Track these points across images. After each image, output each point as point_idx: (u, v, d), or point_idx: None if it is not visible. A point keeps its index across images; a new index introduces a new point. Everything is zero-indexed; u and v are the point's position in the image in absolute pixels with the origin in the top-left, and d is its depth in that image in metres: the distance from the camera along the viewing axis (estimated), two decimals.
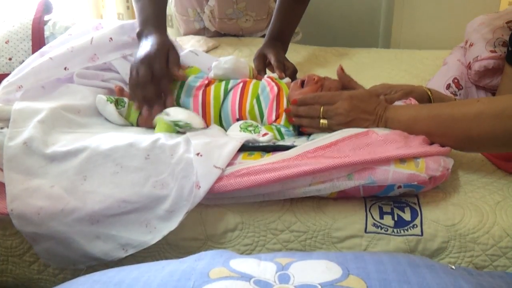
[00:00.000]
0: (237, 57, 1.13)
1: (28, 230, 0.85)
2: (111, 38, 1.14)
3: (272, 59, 1.25)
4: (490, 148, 0.92)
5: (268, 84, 1.06)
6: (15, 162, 0.87)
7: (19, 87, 1.01)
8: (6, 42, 1.30)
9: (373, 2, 2.38)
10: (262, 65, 1.29)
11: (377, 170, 0.82)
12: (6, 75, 1.12)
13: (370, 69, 1.51)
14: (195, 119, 0.97)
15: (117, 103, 1.04)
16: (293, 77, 1.22)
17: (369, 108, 0.92)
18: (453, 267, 0.66)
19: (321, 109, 0.94)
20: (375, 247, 0.85)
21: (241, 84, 1.06)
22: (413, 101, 0.99)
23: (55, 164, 0.88)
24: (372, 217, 0.86)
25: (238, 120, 1.03)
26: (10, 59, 1.29)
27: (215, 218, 0.88)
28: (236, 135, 0.94)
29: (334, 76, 1.08)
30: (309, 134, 0.99)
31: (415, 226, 0.85)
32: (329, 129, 0.94)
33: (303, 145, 0.88)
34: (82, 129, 0.98)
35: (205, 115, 1.05)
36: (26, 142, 0.88)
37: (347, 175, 0.82)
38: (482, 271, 0.81)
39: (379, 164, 0.82)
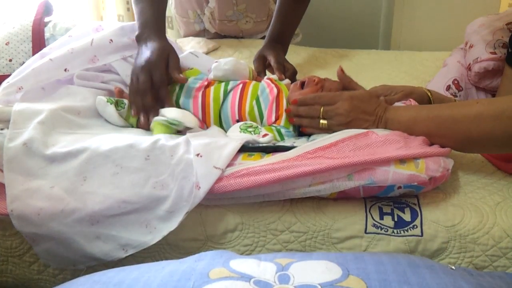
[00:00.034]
0: (236, 59, 1.13)
1: (28, 231, 0.86)
2: (111, 40, 1.14)
3: (272, 60, 1.25)
4: (490, 149, 0.92)
5: (267, 86, 1.06)
6: (15, 163, 0.87)
7: (19, 88, 1.02)
8: (6, 44, 1.30)
9: (373, 3, 2.38)
10: (262, 66, 1.29)
11: (377, 171, 0.82)
12: (6, 76, 1.12)
13: (370, 70, 1.51)
14: (188, 117, 0.97)
15: (117, 105, 1.04)
16: (292, 78, 1.22)
17: (369, 109, 0.92)
18: (453, 267, 0.66)
19: (321, 110, 0.94)
20: (375, 247, 0.85)
21: (240, 85, 1.07)
22: (413, 102, 0.99)
23: (55, 165, 0.88)
24: (372, 217, 0.86)
25: (238, 121, 1.03)
26: (10, 60, 1.29)
27: (215, 219, 0.88)
28: (236, 136, 0.95)
29: (334, 77, 1.08)
30: (309, 135, 0.99)
31: (415, 226, 0.85)
32: (329, 129, 0.94)
33: (303, 145, 0.88)
34: (82, 130, 0.98)
35: (205, 116, 1.05)
36: (26, 143, 0.88)
37: (347, 176, 0.83)
38: (482, 271, 0.80)
39: (379, 165, 0.82)
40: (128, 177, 0.86)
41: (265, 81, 1.09)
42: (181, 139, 0.90)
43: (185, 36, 1.82)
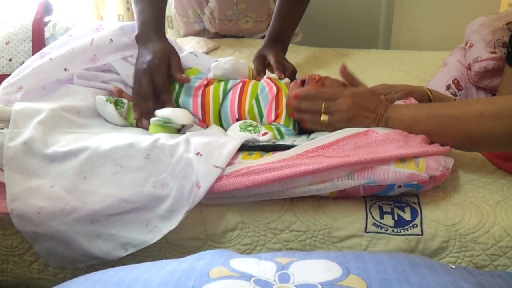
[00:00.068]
0: (236, 58, 1.13)
1: (28, 230, 0.86)
2: (111, 40, 1.14)
3: (272, 60, 1.25)
4: (490, 147, 0.92)
5: (267, 85, 1.06)
6: (15, 162, 0.87)
7: (19, 88, 1.02)
8: (6, 43, 1.30)
9: (373, 3, 2.39)
10: (261, 66, 1.29)
11: (377, 170, 0.82)
12: (6, 76, 1.12)
13: (370, 70, 1.51)
14: (177, 114, 0.96)
15: (116, 104, 1.04)
16: (292, 77, 1.22)
17: (371, 106, 0.92)
18: (453, 266, 0.66)
19: (323, 105, 0.93)
20: (375, 246, 0.85)
21: (240, 84, 1.07)
22: (413, 101, 0.99)
23: (55, 164, 0.88)
24: (372, 216, 0.86)
25: (237, 120, 1.03)
26: (10, 60, 1.29)
27: (215, 218, 0.88)
28: (236, 134, 0.95)
29: (334, 77, 1.08)
30: (309, 133, 0.99)
31: (415, 225, 0.85)
32: (330, 125, 0.93)
33: (303, 144, 0.88)
34: (82, 130, 0.98)
35: (204, 115, 1.05)
36: (26, 142, 0.88)
37: (347, 175, 0.83)
38: (482, 270, 0.80)
39: (379, 164, 0.82)
40: (128, 176, 0.86)
41: (264, 80, 1.09)
42: (181, 138, 0.90)
43: (185, 35, 1.82)
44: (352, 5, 2.42)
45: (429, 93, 1.03)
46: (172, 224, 0.84)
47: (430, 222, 0.85)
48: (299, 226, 0.87)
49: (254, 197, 0.86)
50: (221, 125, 1.05)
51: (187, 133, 0.91)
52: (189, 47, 1.61)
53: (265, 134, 0.94)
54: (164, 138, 0.90)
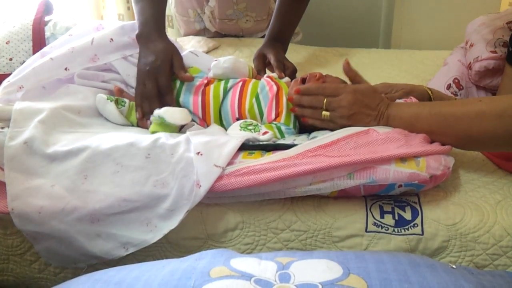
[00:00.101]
0: (236, 57, 1.13)
1: (29, 229, 0.86)
2: (111, 39, 1.14)
3: (272, 59, 1.25)
4: (491, 147, 0.92)
5: (267, 83, 1.06)
6: (16, 162, 0.87)
7: (20, 88, 1.02)
8: (6, 43, 1.30)
9: (373, 2, 2.38)
10: (261, 65, 1.29)
11: (378, 169, 0.82)
12: (6, 75, 1.12)
13: (370, 69, 1.51)
14: (173, 115, 0.95)
15: (117, 103, 1.04)
16: (292, 76, 1.22)
17: (372, 104, 0.92)
18: (453, 266, 0.66)
19: (325, 101, 0.93)
20: (376, 246, 0.85)
21: (240, 83, 1.07)
22: (413, 100, 0.99)
23: (55, 163, 0.88)
24: (373, 216, 0.86)
25: (238, 119, 1.03)
26: (10, 59, 1.29)
27: (215, 217, 0.88)
28: (236, 134, 0.95)
29: (334, 75, 1.08)
30: (309, 132, 0.99)
31: (415, 225, 0.84)
32: (331, 121, 0.93)
33: (303, 144, 0.88)
34: (83, 129, 0.98)
35: (205, 114, 1.05)
36: (27, 142, 0.88)
37: (347, 174, 0.83)
38: (482, 270, 0.81)
39: (380, 163, 0.82)
40: (129, 175, 0.86)
41: (264, 79, 1.09)
42: (181, 137, 0.90)
43: (185, 35, 1.82)
44: (353, 4, 2.42)
45: (430, 92, 1.03)
46: (173, 223, 0.84)
47: (430, 221, 0.85)
48: (300, 225, 0.87)
49: (254, 197, 0.86)
50: (221, 124, 1.05)
51: (188, 133, 0.91)
52: (189, 47, 1.61)
53: (265, 133, 0.94)
54: (165, 138, 0.90)
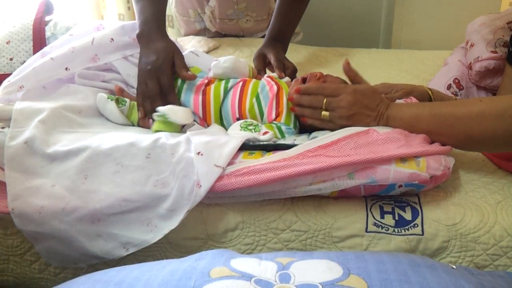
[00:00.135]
0: (236, 57, 1.13)
1: (29, 229, 0.86)
2: (112, 39, 1.14)
3: (272, 58, 1.25)
4: (491, 147, 0.92)
5: (267, 83, 1.06)
6: (16, 162, 0.87)
7: (20, 87, 1.02)
8: (7, 43, 1.30)
9: (373, 2, 2.39)
10: (262, 64, 1.29)
11: (378, 169, 0.82)
12: (7, 75, 1.12)
13: (370, 69, 1.51)
14: (175, 113, 0.96)
15: (117, 102, 1.04)
16: (292, 76, 1.22)
17: (372, 104, 0.92)
18: (453, 266, 0.66)
19: (324, 101, 0.93)
20: (376, 246, 0.85)
21: (240, 83, 1.07)
22: (413, 100, 0.99)
23: (56, 163, 0.88)
24: (373, 216, 0.86)
25: (238, 119, 1.04)
26: (11, 59, 1.29)
27: (215, 217, 0.89)
28: (237, 134, 0.95)
29: (334, 75, 1.08)
30: (310, 132, 0.99)
31: (416, 225, 0.85)
32: (330, 121, 0.93)
33: (304, 144, 0.88)
34: (83, 129, 0.98)
35: (205, 114, 1.05)
36: (27, 141, 0.88)
37: (348, 174, 0.83)
38: (483, 270, 0.80)
39: (380, 163, 0.82)
40: (129, 175, 0.86)
41: (265, 79, 1.09)
42: (181, 137, 0.90)
43: (186, 35, 1.82)
44: (353, 4, 2.42)
45: (430, 92, 1.03)
46: (173, 223, 0.84)
47: (430, 222, 0.85)
48: (300, 226, 0.87)
49: (254, 197, 0.87)
50: (221, 124, 1.05)
51: (188, 132, 0.91)
52: (189, 47, 1.61)
53: (265, 133, 0.94)
54: (165, 138, 0.90)
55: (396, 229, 0.85)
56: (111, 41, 1.13)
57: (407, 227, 0.85)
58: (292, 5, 1.42)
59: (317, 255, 0.65)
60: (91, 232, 0.85)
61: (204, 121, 1.06)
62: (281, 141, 0.94)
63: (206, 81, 1.08)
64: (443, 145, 0.88)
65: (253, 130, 0.95)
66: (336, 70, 1.07)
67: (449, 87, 1.31)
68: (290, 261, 0.62)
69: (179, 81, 1.08)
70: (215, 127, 1.01)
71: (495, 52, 1.25)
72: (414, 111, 0.91)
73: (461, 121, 0.85)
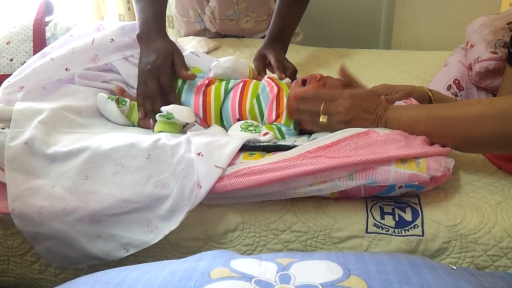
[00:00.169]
0: (236, 58, 1.13)
1: (29, 230, 0.86)
2: (112, 39, 1.14)
3: (272, 59, 1.25)
4: (491, 148, 0.92)
5: (268, 84, 1.06)
6: (16, 162, 0.87)
7: (21, 88, 1.02)
8: (7, 43, 1.30)
9: (374, 3, 2.39)
10: (262, 65, 1.29)
11: (378, 170, 0.82)
12: (7, 75, 1.12)
13: (370, 70, 1.51)
14: (180, 112, 0.96)
15: (118, 102, 1.05)
16: (293, 77, 1.22)
17: (370, 108, 0.92)
18: (454, 267, 0.66)
19: (322, 106, 0.93)
20: (376, 247, 0.85)
21: (241, 84, 1.07)
22: (413, 101, 0.99)
23: (56, 164, 0.88)
24: (373, 217, 0.86)
25: (238, 120, 1.04)
26: (11, 60, 1.29)
27: (216, 218, 0.89)
28: (237, 135, 0.95)
29: (334, 76, 1.08)
30: (310, 133, 0.99)
31: (416, 226, 0.85)
32: (329, 126, 0.93)
33: (304, 144, 0.88)
34: (83, 130, 0.98)
35: (206, 115, 1.05)
36: (27, 142, 0.88)
37: (348, 175, 0.83)
38: (483, 271, 0.81)
39: (380, 164, 0.82)
40: (129, 176, 0.86)
41: (265, 80, 1.09)
42: (182, 138, 0.90)
43: (186, 35, 1.82)
44: (353, 5, 2.42)
45: (430, 93, 1.03)
46: (173, 224, 0.84)
47: (431, 222, 0.85)
48: (300, 226, 0.87)
49: (255, 198, 0.87)
50: (222, 124, 1.05)
51: (188, 133, 0.91)
52: (190, 47, 1.61)
53: (266, 134, 0.94)
54: (165, 138, 0.90)
55: (396, 230, 0.85)
56: (111, 42, 1.13)
57: (407, 228, 0.85)
58: (292, 6, 1.42)
59: (317, 256, 0.65)
60: (91, 232, 0.85)
61: (205, 122, 1.06)
62: (281, 142, 0.95)
63: (207, 81, 1.08)
64: (443, 146, 0.88)
65: (253, 131, 0.96)
66: (336, 71, 1.07)
67: (449, 87, 1.31)
68: (290, 261, 0.62)
69: (180, 82, 1.08)
70: (215, 128, 1.01)
71: (495, 52, 1.25)
72: (413, 113, 0.91)
73: (460, 123, 0.85)
